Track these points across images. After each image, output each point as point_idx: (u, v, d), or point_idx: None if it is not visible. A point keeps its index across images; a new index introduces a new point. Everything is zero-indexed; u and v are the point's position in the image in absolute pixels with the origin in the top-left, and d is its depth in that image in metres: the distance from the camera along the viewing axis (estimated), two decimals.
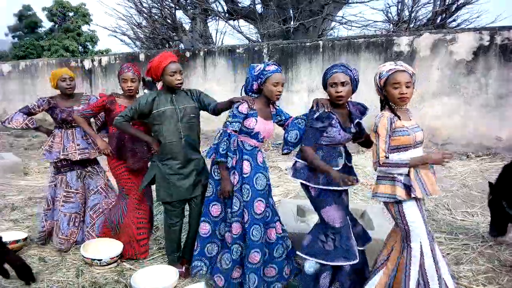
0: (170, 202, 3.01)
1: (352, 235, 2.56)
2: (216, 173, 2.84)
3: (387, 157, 2.23)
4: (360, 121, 2.58)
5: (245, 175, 2.71)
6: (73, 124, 3.54)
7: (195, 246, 2.97)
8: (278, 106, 2.98)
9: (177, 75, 2.89)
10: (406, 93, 2.20)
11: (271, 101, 2.82)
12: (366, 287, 2.46)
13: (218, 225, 2.89)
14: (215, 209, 2.87)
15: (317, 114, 2.46)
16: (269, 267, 2.83)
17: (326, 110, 2.46)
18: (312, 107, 2.54)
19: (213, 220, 2.89)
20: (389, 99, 2.28)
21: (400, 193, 2.24)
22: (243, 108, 2.69)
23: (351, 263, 2.46)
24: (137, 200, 3.38)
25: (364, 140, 2.69)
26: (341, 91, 2.42)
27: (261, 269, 2.75)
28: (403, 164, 2.20)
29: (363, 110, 2.61)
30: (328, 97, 2.55)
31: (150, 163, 3.15)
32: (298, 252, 2.63)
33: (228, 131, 2.70)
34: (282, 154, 2.81)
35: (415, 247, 2.26)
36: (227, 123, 2.72)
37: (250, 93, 2.82)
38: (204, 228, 2.91)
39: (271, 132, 2.85)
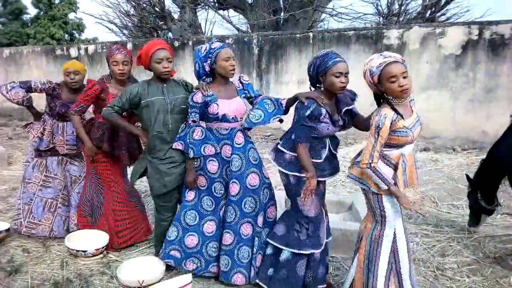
0: (163, 195, 2.91)
1: (324, 225, 2.60)
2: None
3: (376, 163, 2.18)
4: (350, 108, 2.51)
5: (226, 159, 2.72)
6: (66, 119, 3.46)
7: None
8: (247, 82, 2.88)
9: (164, 62, 2.75)
10: (406, 84, 2.07)
11: (228, 78, 2.75)
12: (346, 282, 2.46)
13: (185, 209, 2.85)
14: (189, 194, 2.85)
15: (309, 112, 2.38)
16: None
17: (320, 104, 2.38)
18: (302, 102, 2.43)
19: (184, 204, 2.87)
20: (388, 94, 2.15)
21: (374, 185, 2.23)
22: (197, 97, 2.66)
23: (316, 251, 2.52)
24: (115, 192, 3.30)
25: (358, 122, 2.60)
26: (345, 82, 2.36)
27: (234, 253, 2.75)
28: (387, 182, 2.16)
29: (352, 97, 2.56)
30: (315, 85, 2.51)
31: (141, 156, 3.06)
32: (270, 241, 2.65)
33: (189, 122, 2.71)
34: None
35: (389, 233, 2.27)
36: (189, 114, 2.71)
37: (204, 77, 2.76)
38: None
39: (241, 109, 2.76)
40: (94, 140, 3.16)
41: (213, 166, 2.74)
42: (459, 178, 5.09)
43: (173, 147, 2.77)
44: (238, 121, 2.76)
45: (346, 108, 2.48)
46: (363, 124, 2.55)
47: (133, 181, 3.06)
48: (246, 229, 2.72)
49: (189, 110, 2.71)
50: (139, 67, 2.95)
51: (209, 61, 2.65)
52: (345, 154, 6.05)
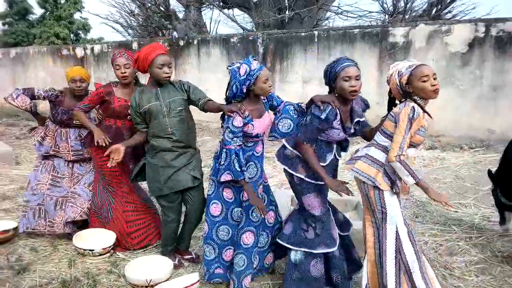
0: (165, 196, 2.92)
1: (333, 222, 2.59)
2: (218, 176, 2.64)
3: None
4: (361, 120, 2.54)
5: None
6: (69, 125, 3.49)
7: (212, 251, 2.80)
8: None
9: (165, 68, 2.76)
10: (438, 84, 2.15)
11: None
12: (363, 277, 2.46)
13: (216, 225, 2.76)
14: (215, 208, 2.75)
15: (324, 115, 2.32)
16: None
17: (335, 107, 2.35)
18: (318, 106, 2.38)
19: (212, 220, 2.77)
20: (418, 93, 2.19)
21: (380, 180, 2.24)
22: (238, 122, 2.50)
23: (331, 250, 2.50)
24: (124, 193, 3.32)
25: (367, 132, 2.64)
26: (355, 86, 2.32)
27: (252, 253, 2.71)
28: (416, 176, 2.14)
29: (364, 107, 2.59)
30: (331, 92, 2.46)
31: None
32: (279, 241, 2.63)
33: (233, 148, 2.52)
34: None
35: (391, 229, 2.27)
36: (228, 140, 2.52)
37: (239, 96, 2.60)
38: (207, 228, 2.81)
39: (269, 124, 2.72)
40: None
41: (228, 193, 2.72)
42: (466, 177, 5.06)
43: (221, 180, 2.57)
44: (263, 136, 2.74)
45: (358, 119, 2.52)
46: (372, 133, 2.57)
47: (131, 178, 3.11)
48: (247, 239, 2.69)
49: (230, 135, 2.52)
50: None
51: (248, 83, 2.52)
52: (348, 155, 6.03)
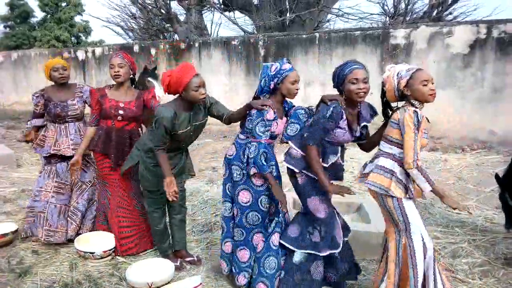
0: (156, 191, 2.98)
1: (338, 223, 2.57)
2: (254, 182, 2.64)
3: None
4: (367, 124, 2.54)
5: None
6: (66, 120, 3.48)
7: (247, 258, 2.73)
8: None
9: (201, 89, 2.68)
10: (435, 90, 2.19)
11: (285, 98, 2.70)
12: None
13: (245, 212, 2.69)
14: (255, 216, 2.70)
15: (329, 112, 2.33)
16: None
17: (342, 104, 2.37)
18: (325, 103, 2.41)
19: (242, 207, 2.70)
20: (416, 97, 2.21)
21: (394, 188, 2.22)
22: (271, 115, 2.55)
23: (335, 251, 2.50)
24: (119, 197, 3.29)
25: (365, 143, 2.64)
26: (363, 88, 2.33)
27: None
28: (431, 182, 2.14)
29: (372, 114, 2.56)
30: (340, 94, 2.47)
31: (133, 149, 3.07)
32: (283, 242, 2.60)
33: (263, 142, 2.56)
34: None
35: (417, 238, 2.24)
36: (260, 133, 2.56)
37: (265, 94, 2.67)
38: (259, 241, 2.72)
39: (283, 128, 2.72)
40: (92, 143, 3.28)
41: (258, 180, 2.65)
42: (468, 178, 5.04)
43: (250, 173, 2.58)
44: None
45: (365, 124, 2.52)
46: (368, 142, 2.60)
47: (121, 171, 3.16)
48: (276, 240, 2.67)
49: (261, 129, 2.55)
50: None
51: (276, 80, 2.58)
52: (352, 155, 6.03)
